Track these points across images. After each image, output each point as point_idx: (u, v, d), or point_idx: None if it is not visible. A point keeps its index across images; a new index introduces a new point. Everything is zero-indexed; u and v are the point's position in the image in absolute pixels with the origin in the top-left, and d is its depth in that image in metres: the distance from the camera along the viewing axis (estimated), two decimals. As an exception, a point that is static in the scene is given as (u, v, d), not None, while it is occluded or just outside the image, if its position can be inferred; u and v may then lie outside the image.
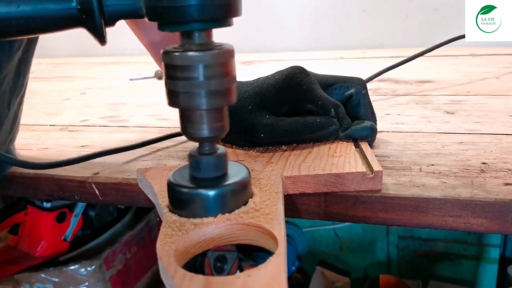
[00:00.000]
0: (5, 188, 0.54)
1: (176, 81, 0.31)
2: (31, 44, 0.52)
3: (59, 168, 0.51)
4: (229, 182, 0.34)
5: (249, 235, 0.32)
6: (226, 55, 0.31)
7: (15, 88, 0.52)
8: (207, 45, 0.31)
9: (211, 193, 0.33)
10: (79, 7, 0.31)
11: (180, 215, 0.34)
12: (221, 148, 0.35)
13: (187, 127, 0.33)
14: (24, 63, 0.52)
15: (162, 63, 0.32)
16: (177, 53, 0.31)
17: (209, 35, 0.32)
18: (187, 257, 0.31)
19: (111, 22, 0.32)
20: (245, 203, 0.35)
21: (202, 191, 0.33)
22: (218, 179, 0.34)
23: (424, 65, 0.89)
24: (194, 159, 0.34)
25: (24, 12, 0.31)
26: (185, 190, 0.33)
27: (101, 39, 0.32)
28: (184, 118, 0.33)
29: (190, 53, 0.30)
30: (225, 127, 0.34)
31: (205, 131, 0.32)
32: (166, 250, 0.29)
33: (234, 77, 0.33)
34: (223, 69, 0.31)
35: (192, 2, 0.29)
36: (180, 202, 0.34)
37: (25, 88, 0.55)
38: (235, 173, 0.35)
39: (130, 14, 0.32)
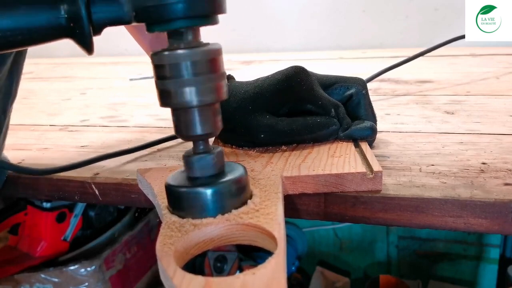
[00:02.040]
0: (5, 188, 0.54)
1: (166, 80, 0.31)
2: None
3: (59, 168, 0.51)
4: (225, 179, 0.34)
5: (249, 235, 0.32)
6: (213, 52, 0.32)
7: (9, 95, 0.52)
8: (194, 43, 0.32)
9: (208, 191, 0.33)
10: (66, 15, 0.31)
11: (179, 216, 0.34)
12: (216, 147, 0.35)
13: (180, 126, 0.33)
14: (16, 68, 0.52)
15: (152, 65, 0.32)
16: (164, 53, 0.31)
17: (197, 34, 0.32)
18: (187, 258, 0.31)
19: (99, 30, 0.32)
20: (245, 203, 0.35)
21: (199, 190, 0.33)
22: (214, 178, 0.34)
23: (424, 65, 0.89)
24: (188, 158, 0.34)
25: (12, 24, 0.31)
26: (182, 189, 0.33)
27: (89, 47, 0.32)
28: (177, 117, 0.33)
29: (178, 51, 0.31)
30: (218, 125, 0.34)
31: (197, 129, 0.33)
32: (166, 251, 0.29)
33: (223, 74, 0.33)
34: (211, 66, 0.32)
35: None
36: (178, 202, 0.34)
37: (17, 94, 0.54)
38: (231, 172, 0.35)
39: (116, 21, 0.32)
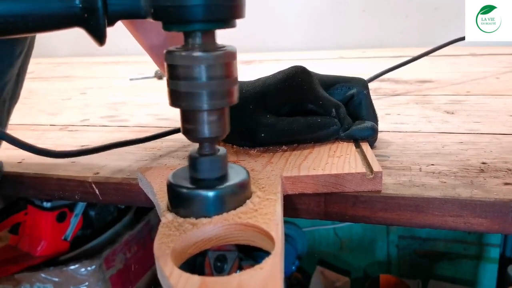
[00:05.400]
0: (5, 188, 0.54)
1: (179, 81, 0.31)
2: (29, 50, 0.51)
3: (59, 168, 0.51)
4: (228, 183, 0.34)
5: (247, 235, 0.32)
6: (228, 57, 0.32)
7: (14, 97, 0.52)
8: (210, 46, 0.31)
9: (210, 194, 0.33)
10: (81, 5, 0.31)
11: (179, 215, 0.34)
12: (221, 150, 0.35)
13: (188, 127, 0.33)
14: (23, 71, 0.52)
15: (165, 63, 0.32)
16: (180, 53, 0.31)
17: (213, 36, 0.32)
18: (185, 257, 0.31)
19: (112, 21, 0.32)
20: (244, 203, 0.35)
21: (201, 192, 0.33)
22: (217, 180, 0.34)
23: (424, 65, 0.88)
24: (194, 159, 0.34)
25: (24, 9, 0.30)
26: (184, 190, 0.33)
27: (101, 39, 0.32)
28: (185, 118, 0.33)
29: (193, 54, 0.31)
30: (226, 128, 0.34)
31: (205, 132, 0.33)
32: (163, 250, 0.29)
33: (236, 79, 0.33)
34: (225, 70, 0.31)
35: (198, 2, 0.29)
36: (179, 202, 0.34)
37: (19, 96, 0.54)
38: (234, 175, 0.35)
39: (131, 14, 0.32)
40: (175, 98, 0.32)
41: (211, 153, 0.34)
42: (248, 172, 0.36)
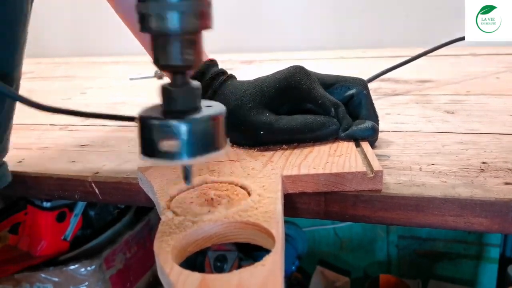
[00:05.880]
0: (5, 188, 0.54)
1: (147, 3, 0.29)
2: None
3: (59, 167, 0.51)
4: (202, 115, 0.30)
5: (247, 233, 0.32)
6: None
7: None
8: None
9: (182, 125, 0.29)
10: None
11: (149, 155, 0.31)
12: (194, 82, 0.32)
13: (159, 54, 0.30)
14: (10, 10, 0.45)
15: None
16: None
17: None
18: (185, 255, 0.31)
19: None
20: (220, 148, 0.31)
21: (172, 122, 0.29)
22: (190, 112, 0.31)
23: (424, 65, 0.88)
24: (165, 91, 0.31)
25: None
26: (154, 122, 0.30)
27: None
28: (156, 45, 0.30)
29: None
30: (199, 57, 0.31)
31: (177, 59, 0.30)
32: (163, 248, 0.29)
33: (210, 3, 0.30)
34: None
35: None
36: (150, 138, 0.31)
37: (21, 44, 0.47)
38: (209, 109, 0.32)
39: None
40: (145, 22, 0.29)
41: (183, 83, 0.31)
42: (225, 108, 0.32)
